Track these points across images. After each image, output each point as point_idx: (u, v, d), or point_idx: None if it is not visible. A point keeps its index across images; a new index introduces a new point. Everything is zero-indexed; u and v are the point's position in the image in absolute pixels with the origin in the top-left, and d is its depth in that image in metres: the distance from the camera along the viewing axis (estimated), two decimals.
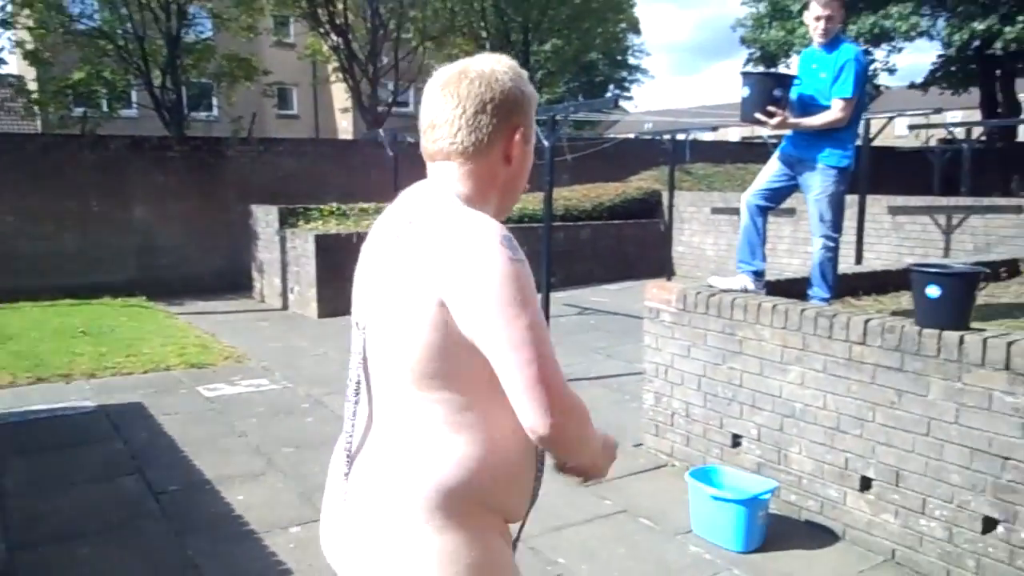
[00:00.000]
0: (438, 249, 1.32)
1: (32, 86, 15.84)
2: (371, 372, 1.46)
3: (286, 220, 10.24)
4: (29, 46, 14.72)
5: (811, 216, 4.57)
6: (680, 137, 11.53)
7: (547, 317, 6.44)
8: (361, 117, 17.67)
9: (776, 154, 4.65)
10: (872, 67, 20.56)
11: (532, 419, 1.30)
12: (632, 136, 20.21)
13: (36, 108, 15.87)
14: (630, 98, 38.20)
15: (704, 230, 12.18)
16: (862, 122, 7.79)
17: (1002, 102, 19.87)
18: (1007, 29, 16.34)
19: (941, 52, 19.30)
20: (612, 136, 20.41)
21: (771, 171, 4.64)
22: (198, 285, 11.47)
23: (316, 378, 6.59)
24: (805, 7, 4.55)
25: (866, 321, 3.52)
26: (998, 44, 16.69)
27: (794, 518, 3.87)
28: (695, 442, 4.44)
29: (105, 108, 14.99)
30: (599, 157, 14.26)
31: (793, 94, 4.50)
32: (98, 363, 6.90)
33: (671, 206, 11.98)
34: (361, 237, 7.93)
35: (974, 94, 20.88)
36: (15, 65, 18.79)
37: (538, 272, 8.81)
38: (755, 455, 4.08)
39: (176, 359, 7.09)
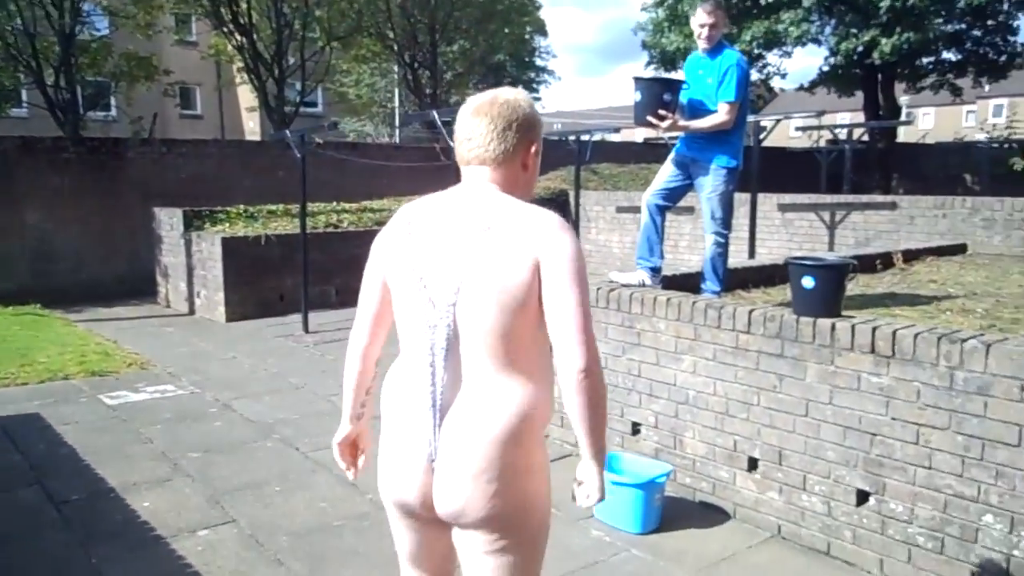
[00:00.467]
0: (532, 229, 1.78)
1: None
2: (461, 335, 1.80)
3: (191, 223, 10.02)
4: None
5: (704, 214, 4.84)
6: (585, 138, 11.83)
7: None
8: (268, 118, 17.35)
9: (671, 156, 4.90)
10: (765, 71, 21.49)
11: (576, 354, 1.74)
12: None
13: None
14: (538, 99, 38.62)
15: (610, 228, 12.53)
16: (751, 123, 8.19)
17: (883, 105, 21.08)
18: (884, 40, 17.38)
19: (828, 57, 20.31)
20: None
21: (667, 172, 4.89)
22: (98, 291, 11.08)
23: (224, 382, 6.52)
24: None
25: (750, 311, 3.78)
26: (876, 54, 17.74)
27: (689, 499, 4.11)
28: None
29: None
30: None
31: (684, 98, 4.76)
32: None
33: (578, 205, 12.29)
34: (269, 239, 7.89)
35: (859, 97, 22.07)
36: None
37: None
38: (653, 441, 4.31)
39: (75, 367, 6.87)
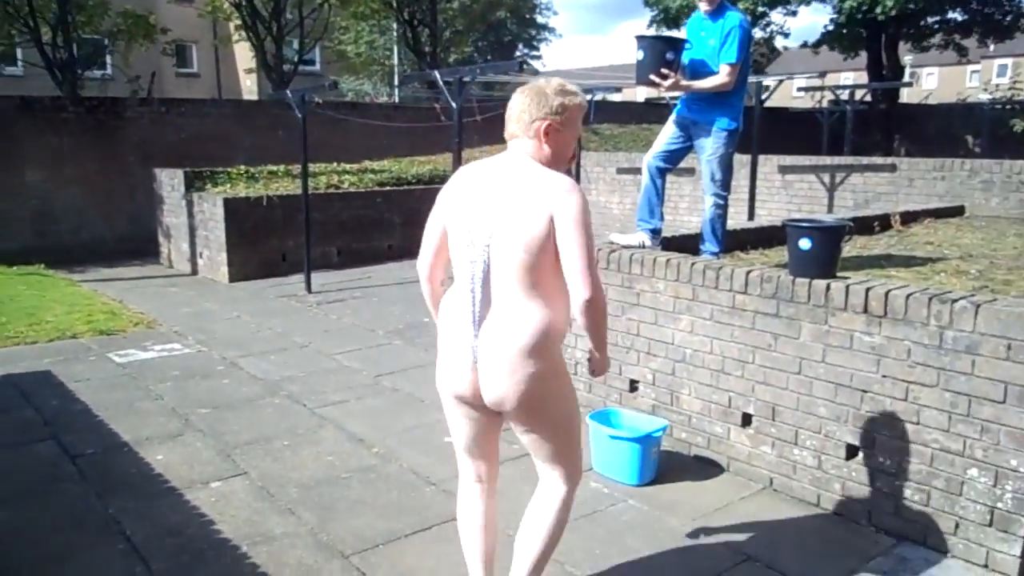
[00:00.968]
0: (548, 190, 2.30)
1: None
2: (493, 268, 2.34)
3: (192, 184, 10.06)
4: None
5: (703, 176, 4.90)
6: (587, 98, 11.80)
7: None
8: (267, 77, 17.24)
9: (672, 117, 4.94)
10: (768, 29, 21.30)
11: (581, 287, 2.27)
12: None
13: None
14: (539, 57, 38.26)
15: (610, 189, 12.56)
16: (752, 83, 8.20)
17: (887, 65, 20.93)
18: None
19: (833, 16, 20.12)
20: None
21: (668, 134, 4.93)
22: (101, 251, 11.16)
23: (230, 341, 6.63)
24: None
25: (747, 272, 3.86)
26: (879, 9, 17.58)
27: (684, 453, 4.24)
28: (596, 388, 4.75)
29: None
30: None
31: (685, 58, 4.78)
32: None
33: (578, 166, 12.28)
34: (271, 200, 7.99)
35: (864, 57, 21.91)
36: None
37: None
38: (650, 398, 4.43)
39: (83, 326, 6.98)
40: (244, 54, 24.28)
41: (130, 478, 4.00)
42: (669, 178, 5.22)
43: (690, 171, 9.62)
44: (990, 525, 3.10)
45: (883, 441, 3.41)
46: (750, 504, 3.74)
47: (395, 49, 25.28)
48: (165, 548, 3.32)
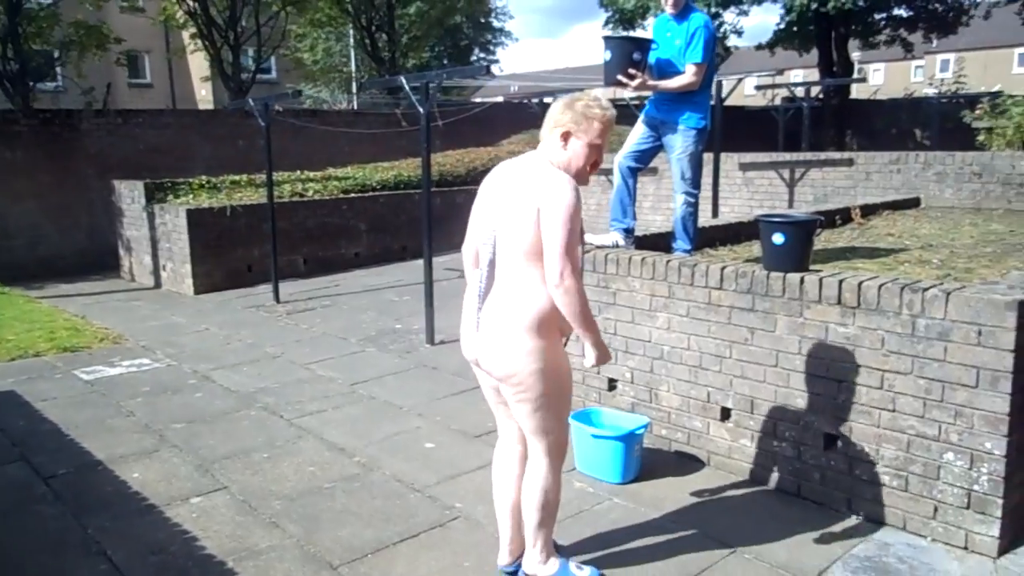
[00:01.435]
0: (540, 185, 2.60)
1: None
2: (498, 253, 2.68)
3: (153, 195, 9.89)
4: None
5: (673, 174, 4.96)
6: (548, 100, 11.86)
7: (431, 282, 6.63)
8: (225, 86, 17.00)
9: (641, 117, 5.00)
10: (722, 29, 21.60)
11: (553, 273, 2.54)
12: (501, 100, 20.43)
13: None
14: (496, 61, 38.31)
15: None
16: (714, 84, 8.31)
17: (837, 61, 21.37)
18: None
19: (783, 14, 20.46)
20: (480, 100, 20.56)
21: (637, 134, 4.99)
22: (59, 267, 10.92)
23: (200, 354, 6.53)
24: None
25: (722, 268, 3.92)
26: (829, 6, 17.94)
27: (665, 450, 4.29)
28: (576, 388, 4.71)
29: None
30: (469, 122, 14.44)
31: (652, 58, 4.84)
32: None
33: None
34: (235, 210, 7.93)
35: (813, 55, 22.32)
36: None
37: (419, 237, 8.87)
38: (629, 396, 4.47)
39: (46, 344, 6.82)
40: (198, 63, 23.93)
41: (107, 497, 3.92)
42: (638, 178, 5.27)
43: (653, 171, 9.72)
44: (968, 508, 3.18)
45: (860, 429, 3.48)
46: (733, 497, 3.80)
47: (352, 55, 25.11)
48: (148, 567, 3.26)
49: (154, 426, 4.88)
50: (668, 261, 4.18)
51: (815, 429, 3.65)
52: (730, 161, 10.27)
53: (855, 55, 26.52)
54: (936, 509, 3.28)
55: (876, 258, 4.97)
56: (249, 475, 4.15)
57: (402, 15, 22.28)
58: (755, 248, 5.20)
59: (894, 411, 3.36)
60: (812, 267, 3.83)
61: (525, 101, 13.50)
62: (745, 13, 21.35)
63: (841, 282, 3.47)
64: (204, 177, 10.52)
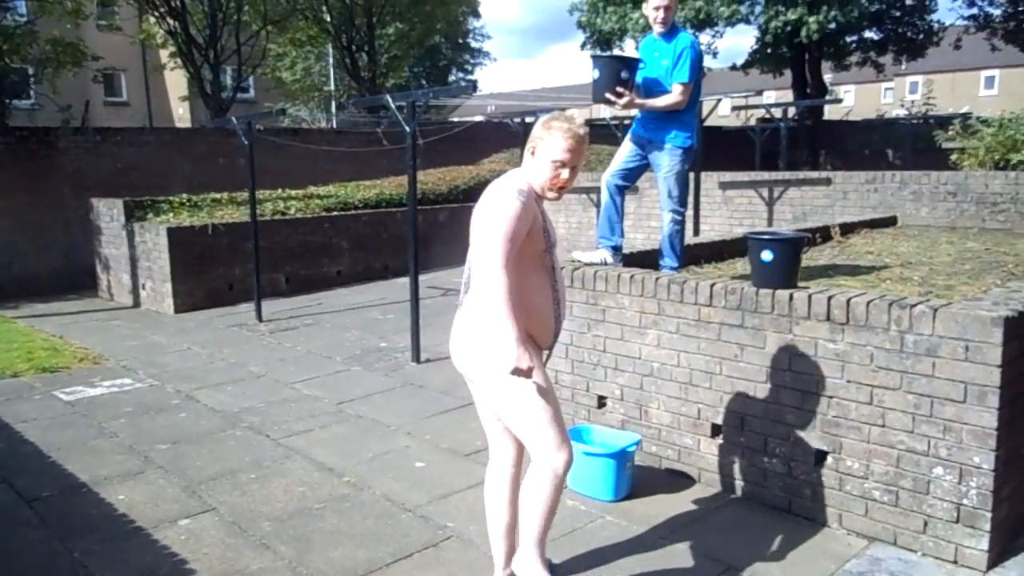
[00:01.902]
0: (485, 194, 2.75)
1: None
2: (472, 263, 2.73)
3: (133, 214, 9.80)
4: None
5: (660, 193, 5.00)
6: (529, 120, 11.94)
7: (416, 300, 6.62)
8: (204, 104, 16.94)
9: (628, 136, 5.05)
10: None
11: (477, 263, 2.65)
12: (482, 119, 20.54)
13: None
14: (474, 81, 38.46)
15: (554, 208, 12.64)
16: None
17: (811, 83, 21.76)
18: (810, 19, 17.96)
19: (758, 36, 20.82)
20: (459, 120, 20.66)
21: (625, 152, 5.03)
22: (35, 286, 10.77)
23: (183, 374, 6.46)
24: None
25: (711, 285, 3.96)
26: (803, 32, 18.30)
27: (655, 467, 4.30)
28: (565, 406, 4.76)
29: None
30: (450, 141, 14.48)
31: (639, 78, 4.90)
32: None
33: None
34: (216, 228, 7.90)
35: (788, 76, 22.71)
36: None
37: (401, 255, 8.80)
38: (619, 413, 4.48)
39: (24, 364, 6.71)
40: (175, 82, 23.84)
41: (93, 520, 3.85)
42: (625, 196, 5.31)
43: (634, 189, 9.78)
44: (957, 522, 3.22)
45: (850, 445, 3.52)
46: (725, 514, 3.81)
47: (331, 75, 25.14)
48: None
49: (138, 447, 4.81)
50: (657, 278, 4.21)
51: (805, 445, 3.69)
52: (710, 180, 10.38)
53: (827, 76, 27.01)
54: (926, 523, 3.31)
55: (858, 275, 5.03)
56: (238, 496, 4.10)
57: (382, 35, 22.38)
58: (739, 265, 5.26)
59: (884, 426, 3.40)
60: (799, 284, 3.88)
61: (506, 120, 13.57)
62: (720, 35, 21.70)
63: (830, 299, 3.52)
64: (185, 195, 10.45)
